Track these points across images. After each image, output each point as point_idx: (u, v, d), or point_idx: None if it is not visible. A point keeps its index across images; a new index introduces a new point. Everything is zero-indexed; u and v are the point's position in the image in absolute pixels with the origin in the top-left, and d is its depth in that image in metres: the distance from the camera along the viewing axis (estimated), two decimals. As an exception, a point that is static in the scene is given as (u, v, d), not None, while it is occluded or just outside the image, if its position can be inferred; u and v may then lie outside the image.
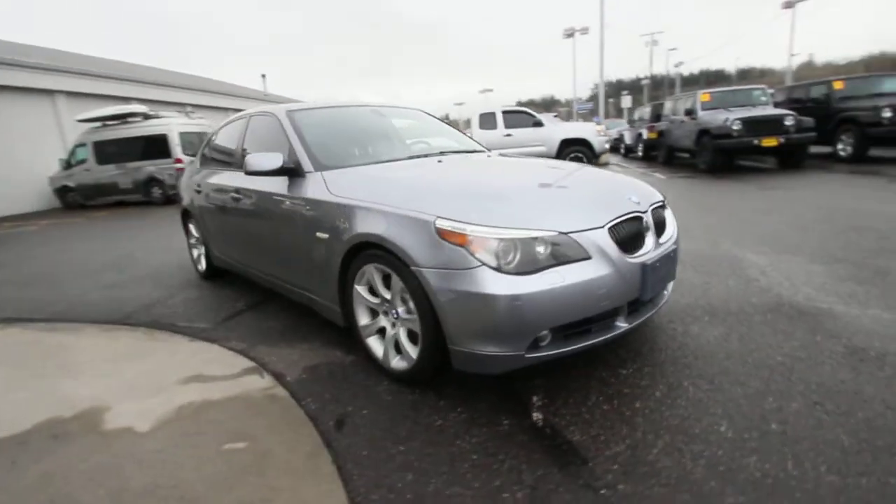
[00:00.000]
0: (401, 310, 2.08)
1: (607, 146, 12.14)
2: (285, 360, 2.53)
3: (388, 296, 2.12)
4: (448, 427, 1.84)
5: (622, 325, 1.98)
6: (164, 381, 2.38)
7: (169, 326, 3.19)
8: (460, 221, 1.81)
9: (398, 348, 2.17)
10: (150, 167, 12.09)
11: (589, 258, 1.83)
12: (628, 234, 2.00)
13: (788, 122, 8.90)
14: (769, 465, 1.52)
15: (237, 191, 3.19)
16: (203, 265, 4.26)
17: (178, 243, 6.27)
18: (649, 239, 2.08)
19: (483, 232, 1.77)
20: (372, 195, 2.17)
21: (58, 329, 3.31)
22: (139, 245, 6.49)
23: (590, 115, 29.51)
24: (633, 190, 2.25)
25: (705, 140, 9.65)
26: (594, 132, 10.92)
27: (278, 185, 2.78)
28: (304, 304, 2.85)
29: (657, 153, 13.23)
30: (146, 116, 12.29)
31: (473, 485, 1.53)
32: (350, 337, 2.66)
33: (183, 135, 12.41)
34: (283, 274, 2.92)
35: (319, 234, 2.38)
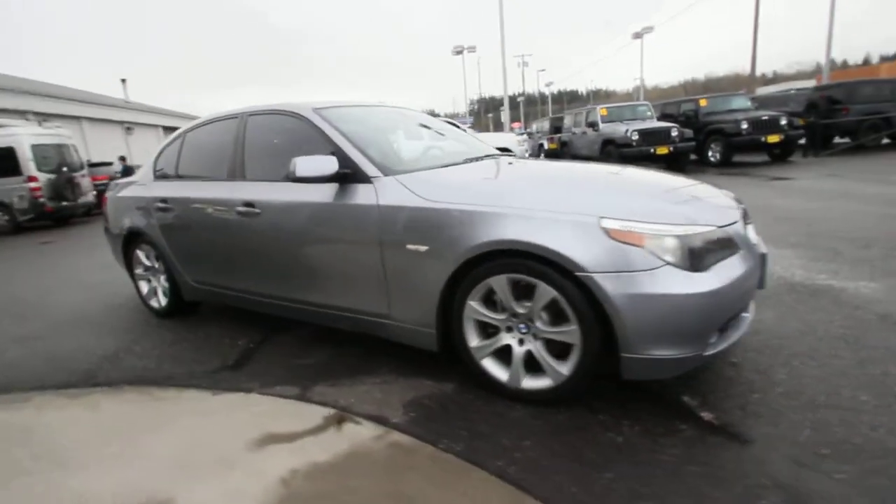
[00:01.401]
0: (540, 323, 1.88)
1: (528, 155, 12.89)
2: (368, 400, 2.13)
3: (520, 309, 1.91)
4: (634, 442, 1.69)
5: (747, 316, 2.03)
6: (225, 449, 1.84)
7: (166, 381, 2.50)
8: (631, 220, 1.70)
9: (528, 367, 1.96)
10: (-8, 188, 9.68)
11: (740, 251, 1.85)
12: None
13: (674, 133, 10.34)
14: (937, 426, 1.67)
15: (248, 204, 2.64)
16: (163, 300, 3.46)
17: (86, 277, 5.10)
18: (752, 233, 2.18)
19: (659, 230, 1.68)
20: (489, 199, 1.93)
21: (-16, 405, 2.38)
22: (22, 284, 5.09)
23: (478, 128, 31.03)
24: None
25: (610, 149, 10.75)
26: (515, 142, 11.51)
27: (320, 193, 2.37)
28: (358, 332, 2.46)
29: (559, 162, 14.39)
30: (-18, 125, 9.83)
31: (714, 495, 1.42)
32: (426, 362, 2.36)
33: (36, 147, 10.17)
34: (325, 298, 2.47)
35: (412, 247, 2.06)
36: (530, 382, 1.95)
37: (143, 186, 3.42)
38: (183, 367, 2.65)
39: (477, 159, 2.72)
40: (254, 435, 1.92)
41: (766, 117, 10.30)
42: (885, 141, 11.54)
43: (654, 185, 2.10)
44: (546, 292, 1.80)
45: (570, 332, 1.80)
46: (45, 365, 2.83)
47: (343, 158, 2.30)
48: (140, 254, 3.51)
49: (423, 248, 2.03)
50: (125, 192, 3.59)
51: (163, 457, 1.82)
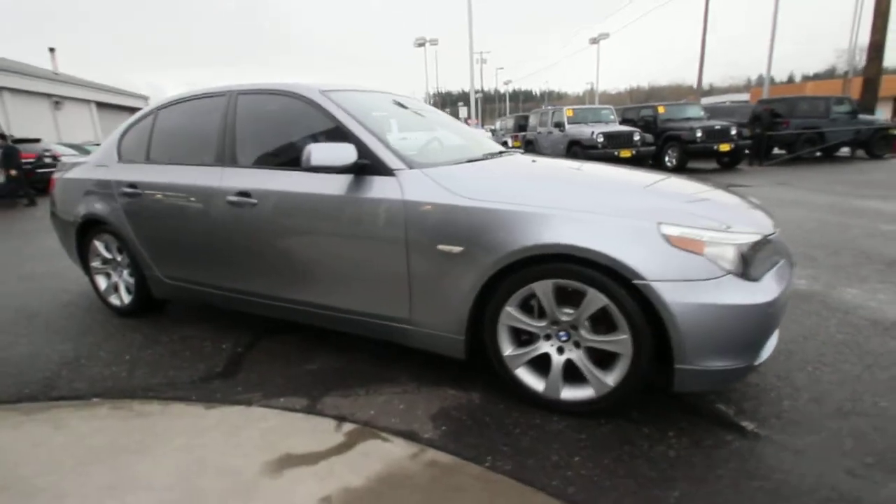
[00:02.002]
0: (584, 331, 1.79)
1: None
2: (390, 412, 1.95)
3: (564, 317, 1.80)
4: (687, 457, 1.64)
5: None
6: (238, 474, 1.60)
7: (144, 392, 2.19)
8: (691, 227, 1.63)
9: (566, 376, 1.86)
10: None
11: (783, 259, 1.84)
12: None
13: (637, 137, 10.70)
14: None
15: (242, 193, 2.35)
16: (126, 297, 3.07)
17: (26, 267, 4.50)
18: None
19: (719, 237, 1.62)
20: (534, 199, 1.80)
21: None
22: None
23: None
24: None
25: (576, 149, 10.94)
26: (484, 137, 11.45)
27: (329, 185, 2.15)
28: (373, 338, 2.27)
29: (523, 160, 14.53)
30: None
31: (784, 516, 1.38)
32: (444, 369, 2.22)
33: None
34: (333, 299, 2.25)
35: (444, 248, 1.90)
36: (570, 393, 1.85)
37: (104, 168, 3.00)
38: (161, 376, 2.33)
39: (494, 155, 2.58)
40: (268, 456, 1.70)
41: (718, 127, 10.88)
42: (817, 154, 12.56)
43: (692, 191, 2.05)
44: (596, 300, 1.70)
45: (620, 342, 1.71)
46: (-12, 374, 2.41)
47: (360, 148, 2.09)
48: (98, 244, 3.09)
49: (458, 249, 1.88)
50: (80, 174, 3.15)
51: (164, 486, 1.56)
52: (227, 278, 2.56)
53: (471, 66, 18.57)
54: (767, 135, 11.87)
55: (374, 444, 1.75)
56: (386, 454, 1.70)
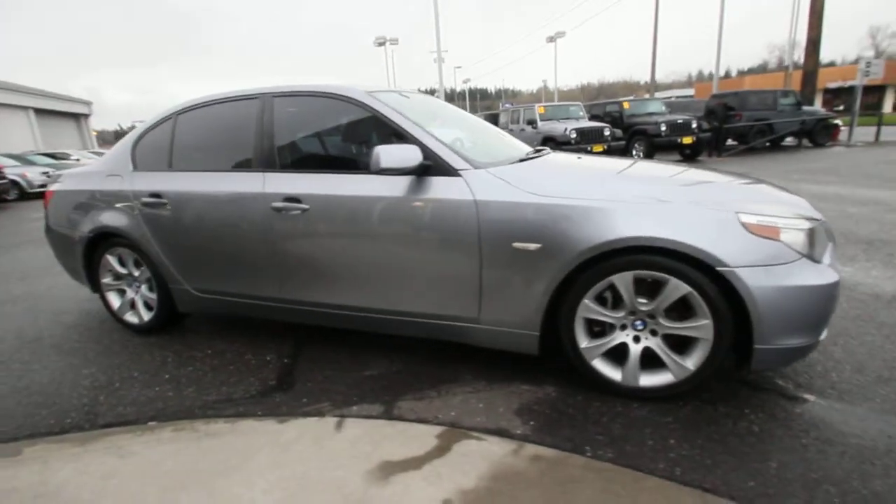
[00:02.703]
0: (663, 319, 1.86)
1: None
2: (472, 412, 1.96)
3: (642, 307, 1.87)
4: (769, 430, 1.74)
5: None
6: (345, 486, 1.57)
7: (200, 412, 2.09)
8: (767, 214, 1.74)
9: (642, 364, 1.93)
10: None
11: (831, 242, 1.98)
12: None
13: (607, 132, 11.08)
14: None
15: (290, 199, 2.28)
16: (145, 313, 2.90)
17: (13, 287, 4.12)
18: None
19: (791, 223, 1.74)
20: (608, 194, 1.86)
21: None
22: None
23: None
24: None
25: (550, 146, 11.20)
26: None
27: (386, 187, 2.13)
28: (432, 339, 2.26)
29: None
30: None
31: (881, 472, 1.50)
32: (508, 365, 2.25)
33: None
34: (393, 303, 2.22)
35: (520, 245, 1.93)
36: (648, 380, 1.93)
37: (116, 178, 2.81)
38: (215, 393, 2.23)
39: (537, 154, 2.61)
40: (366, 465, 1.67)
41: (680, 121, 11.45)
42: (766, 144, 13.45)
43: (741, 182, 2.16)
44: (678, 288, 1.78)
45: (701, 327, 1.80)
46: (20, 406, 2.22)
47: (422, 149, 2.08)
48: (111, 259, 2.90)
49: (534, 246, 1.91)
50: (85, 185, 2.94)
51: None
52: (270, 287, 2.47)
53: (439, 66, 18.60)
54: (724, 127, 12.60)
55: (469, 445, 1.76)
56: (486, 453, 1.71)
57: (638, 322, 1.93)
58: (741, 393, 1.99)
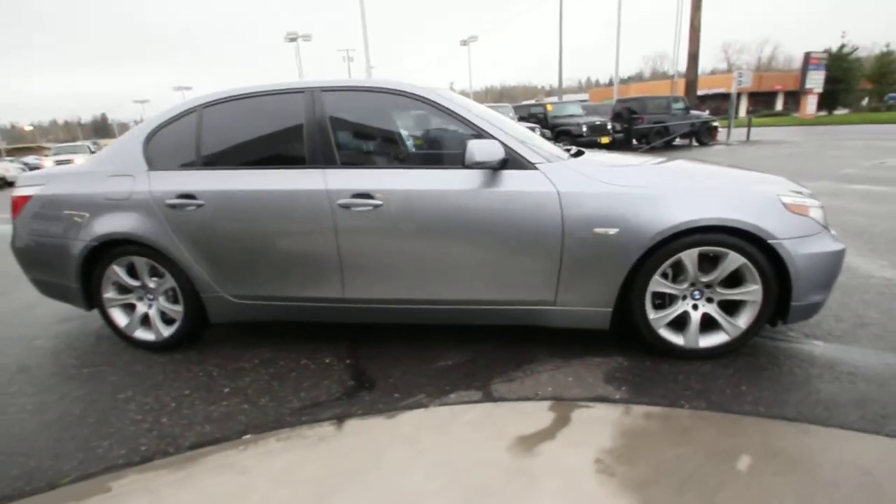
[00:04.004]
0: (720, 287, 2.19)
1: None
2: (567, 385, 2.13)
3: (704, 278, 2.18)
4: (806, 370, 2.14)
5: None
6: (498, 461, 1.65)
7: (294, 420, 2.01)
8: (800, 195, 2.14)
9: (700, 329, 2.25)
10: None
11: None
12: None
13: (538, 133, 11.87)
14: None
15: (361, 195, 2.25)
16: (164, 328, 2.64)
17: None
18: None
19: (816, 203, 2.17)
20: (673, 183, 2.16)
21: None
22: None
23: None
24: None
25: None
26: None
27: (458, 180, 2.23)
28: (505, 325, 2.39)
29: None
30: None
31: None
32: (574, 343, 2.47)
33: None
34: (470, 293, 2.31)
35: (600, 231, 2.14)
36: (706, 341, 2.25)
37: (127, 178, 2.52)
38: (296, 400, 2.14)
39: (581, 151, 2.81)
40: (504, 442, 1.76)
41: (598, 122, 12.65)
42: (662, 143, 15.30)
43: (758, 172, 2.59)
44: (735, 260, 2.12)
45: (752, 292, 2.15)
46: (62, 441, 1.93)
47: (502, 144, 2.20)
48: (118, 270, 2.58)
49: (613, 231, 2.13)
50: (81, 189, 2.58)
51: (440, 489, 1.55)
52: (330, 287, 2.41)
53: (367, 62, 18.29)
54: (633, 128, 14.12)
55: (583, 413, 1.93)
56: (603, 417, 1.89)
57: (696, 292, 2.24)
58: (768, 347, 2.40)
